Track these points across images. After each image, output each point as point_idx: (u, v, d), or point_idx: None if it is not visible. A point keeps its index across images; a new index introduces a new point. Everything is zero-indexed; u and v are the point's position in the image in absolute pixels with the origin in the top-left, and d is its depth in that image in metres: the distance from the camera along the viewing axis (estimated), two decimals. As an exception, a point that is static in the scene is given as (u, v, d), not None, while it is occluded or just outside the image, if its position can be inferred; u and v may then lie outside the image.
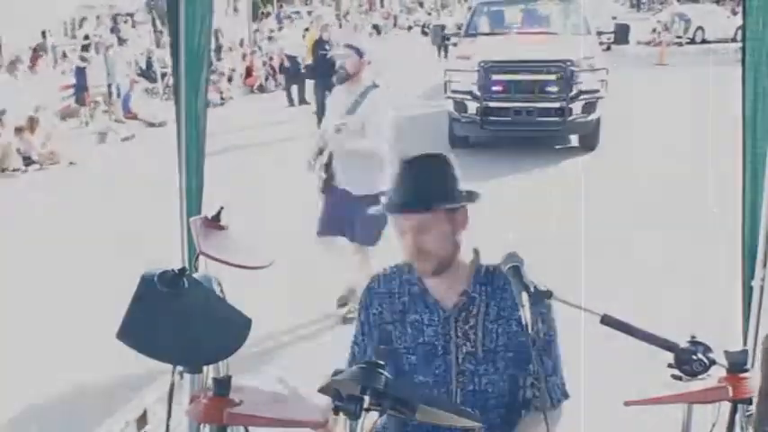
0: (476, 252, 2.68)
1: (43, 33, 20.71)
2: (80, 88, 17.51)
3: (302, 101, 19.13)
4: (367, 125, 5.89)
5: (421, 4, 52.20)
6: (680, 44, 31.97)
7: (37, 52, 18.93)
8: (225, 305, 2.76)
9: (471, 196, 2.62)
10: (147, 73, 20.52)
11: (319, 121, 15.99)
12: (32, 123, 13.71)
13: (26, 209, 10.86)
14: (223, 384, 2.65)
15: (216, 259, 3.08)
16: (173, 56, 3.55)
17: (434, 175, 2.60)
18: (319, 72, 16.34)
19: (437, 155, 2.66)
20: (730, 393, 2.48)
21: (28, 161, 13.25)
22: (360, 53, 6.10)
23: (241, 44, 25.82)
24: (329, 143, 6.00)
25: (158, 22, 26.30)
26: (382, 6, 49.49)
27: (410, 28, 45.37)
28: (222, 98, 20.10)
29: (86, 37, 22.66)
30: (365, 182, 5.78)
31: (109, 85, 17.77)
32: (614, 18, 23.93)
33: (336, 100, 6.23)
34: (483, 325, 2.63)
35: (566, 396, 2.74)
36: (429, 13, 49.42)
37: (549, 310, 2.65)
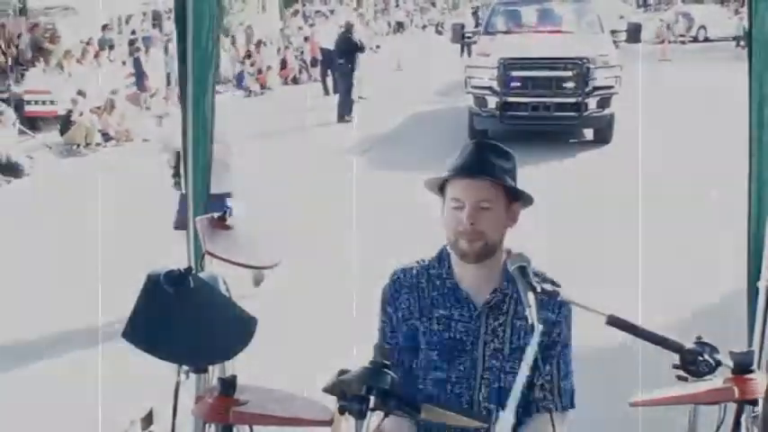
0: (508, 252, 2.66)
1: (104, 27, 21.87)
2: (140, 76, 19.50)
3: (336, 90, 19.77)
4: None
5: (433, 4, 52.64)
6: (683, 42, 32.52)
7: (93, 44, 20.01)
8: (231, 304, 2.77)
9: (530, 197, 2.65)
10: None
11: (340, 114, 16.36)
12: (110, 104, 15.94)
13: (111, 177, 11.96)
14: (229, 384, 2.66)
15: (222, 259, 3.09)
16: (179, 55, 3.50)
17: (506, 160, 2.62)
18: (342, 64, 17.02)
19: (507, 149, 2.66)
20: (736, 394, 2.47)
21: (107, 137, 15.43)
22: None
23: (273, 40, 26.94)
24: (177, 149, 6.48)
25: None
26: (397, 6, 49.68)
27: (424, 27, 45.85)
28: (262, 88, 22.39)
29: (133, 32, 24.08)
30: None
31: (168, 74, 19.66)
32: (621, 17, 24.00)
33: None
34: (512, 322, 2.62)
35: (572, 405, 2.71)
36: (442, 13, 49.84)
37: (570, 315, 2.65)
